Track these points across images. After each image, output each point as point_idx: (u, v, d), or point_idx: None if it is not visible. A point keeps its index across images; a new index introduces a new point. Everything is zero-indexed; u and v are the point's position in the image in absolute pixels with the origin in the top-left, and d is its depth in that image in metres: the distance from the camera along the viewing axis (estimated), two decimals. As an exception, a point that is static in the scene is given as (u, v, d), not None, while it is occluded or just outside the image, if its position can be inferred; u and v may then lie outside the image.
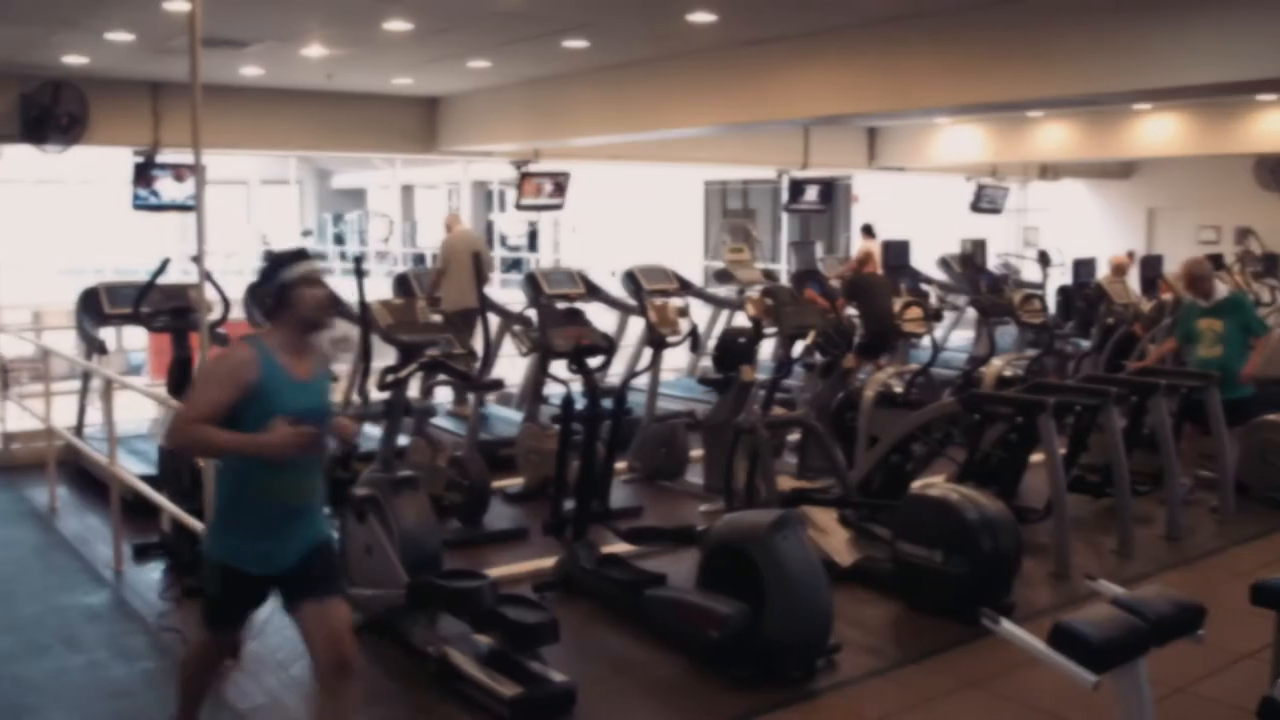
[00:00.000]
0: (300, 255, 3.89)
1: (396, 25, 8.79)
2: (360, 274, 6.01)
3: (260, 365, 3.73)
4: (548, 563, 6.43)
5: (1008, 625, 3.35)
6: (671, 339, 8.65)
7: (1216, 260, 12.84)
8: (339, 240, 33.55)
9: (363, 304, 6.10)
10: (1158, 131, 14.13)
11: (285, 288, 3.80)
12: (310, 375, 3.87)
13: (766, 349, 8.77)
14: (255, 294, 8.31)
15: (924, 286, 12.14)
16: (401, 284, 9.95)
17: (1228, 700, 4.81)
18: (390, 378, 5.89)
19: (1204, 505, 7.92)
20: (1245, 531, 7.49)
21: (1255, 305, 11.53)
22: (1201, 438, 8.02)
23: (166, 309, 7.46)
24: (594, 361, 6.64)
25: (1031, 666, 4.46)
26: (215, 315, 7.08)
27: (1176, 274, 10.29)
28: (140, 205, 11.99)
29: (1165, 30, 7.31)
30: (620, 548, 6.57)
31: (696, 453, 8.70)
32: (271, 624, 5.63)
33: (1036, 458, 7.05)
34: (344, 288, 6.10)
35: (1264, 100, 12.83)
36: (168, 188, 11.93)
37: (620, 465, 8.33)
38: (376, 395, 6.19)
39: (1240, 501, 7.83)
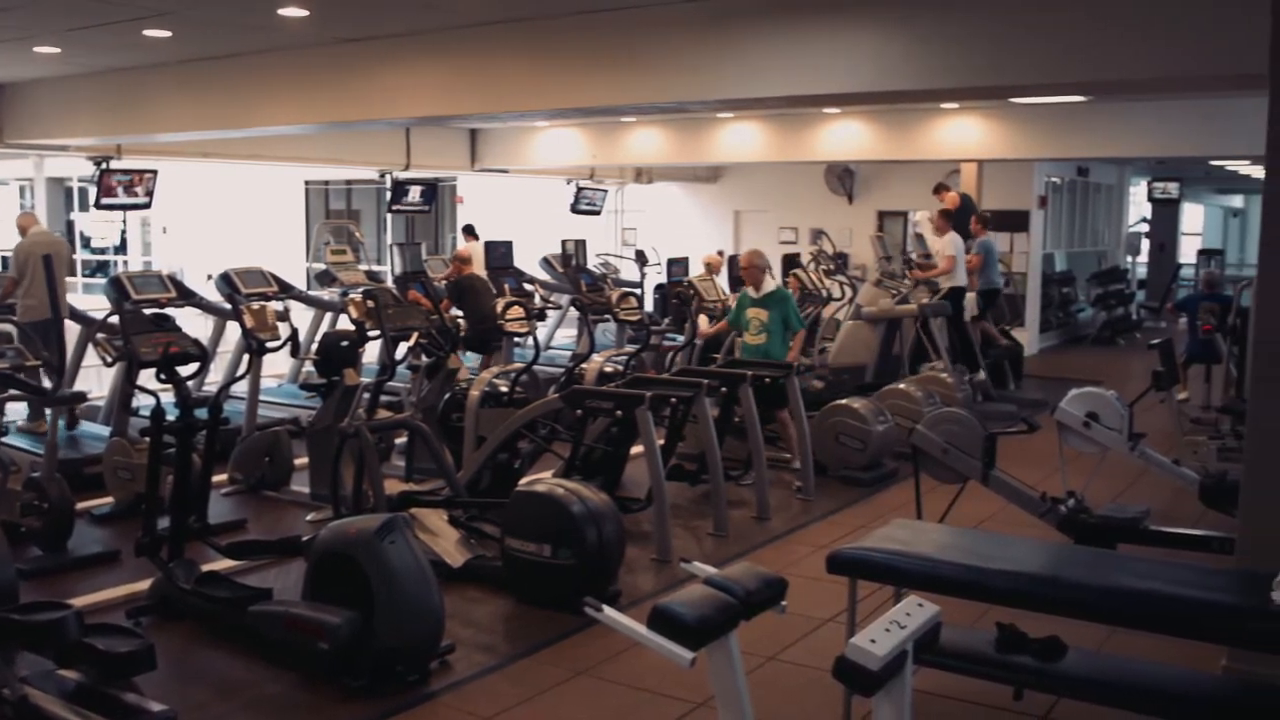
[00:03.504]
0: None
1: (-54, 4, 7.98)
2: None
3: None
4: (143, 585, 6.06)
5: (610, 612, 3.47)
6: (271, 344, 8.38)
7: (793, 259, 13.90)
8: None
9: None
10: (740, 139, 15.12)
11: None
12: None
13: (371, 352, 8.65)
14: None
15: (527, 286, 12.35)
16: (-40, 292, 9.03)
17: (811, 663, 5.21)
18: (-51, 395, 5.35)
19: (790, 486, 8.55)
20: (825, 507, 8.15)
21: (828, 300, 12.58)
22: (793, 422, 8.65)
23: None
24: (186, 369, 6.31)
25: (636, 649, 4.65)
26: None
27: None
28: None
29: (742, 46, 7.82)
30: (222, 564, 6.29)
31: (301, 460, 8.47)
32: None
33: (637, 449, 7.34)
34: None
35: (830, 113, 14.02)
36: None
37: (220, 477, 7.97)
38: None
39: (819, 480, 8.52)
